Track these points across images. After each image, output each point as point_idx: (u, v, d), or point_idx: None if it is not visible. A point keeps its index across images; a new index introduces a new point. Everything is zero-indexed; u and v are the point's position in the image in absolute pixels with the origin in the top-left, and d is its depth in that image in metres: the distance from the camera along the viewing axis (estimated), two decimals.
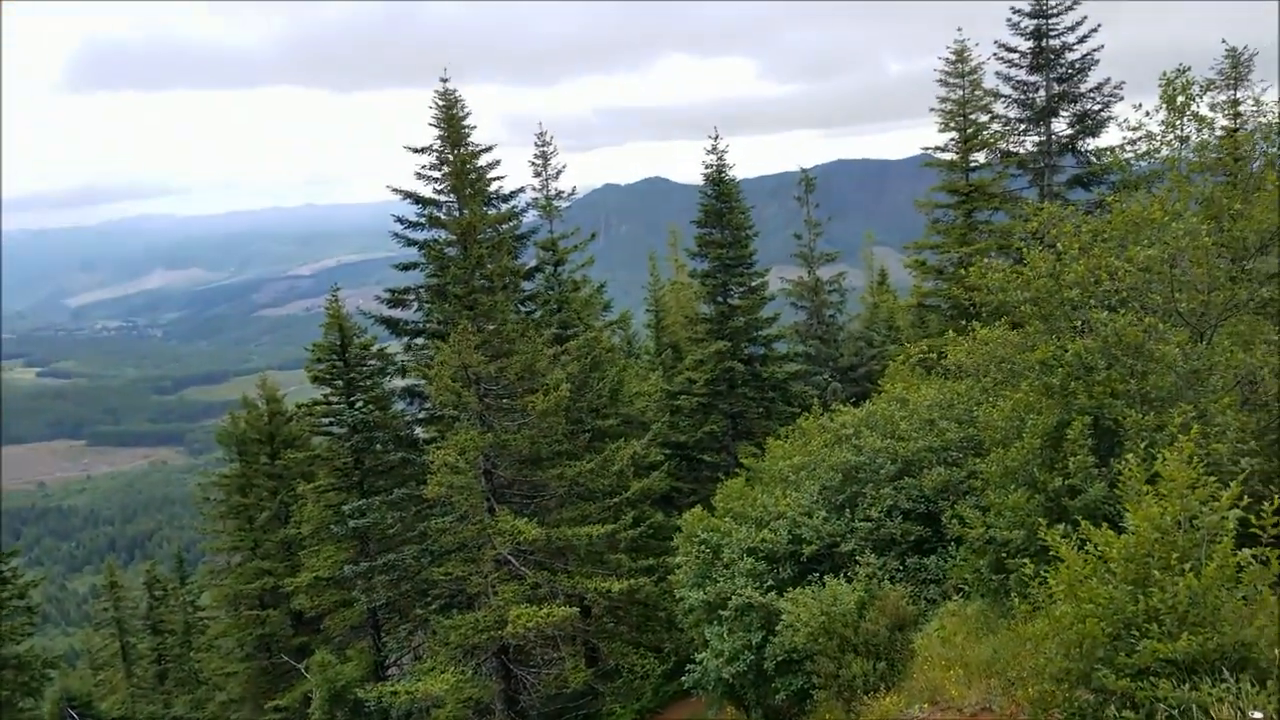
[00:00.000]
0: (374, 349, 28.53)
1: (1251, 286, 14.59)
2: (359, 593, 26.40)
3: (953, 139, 30.82)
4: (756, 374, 32.80)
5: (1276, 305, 14.60)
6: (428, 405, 26.78)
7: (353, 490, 27.33)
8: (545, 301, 29.36)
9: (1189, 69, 18.09)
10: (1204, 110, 18.85)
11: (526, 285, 28.61)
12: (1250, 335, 14.45)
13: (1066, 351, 14.08)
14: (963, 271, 21.05)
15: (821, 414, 22.84)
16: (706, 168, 32.29)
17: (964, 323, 19.69)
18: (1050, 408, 13.98)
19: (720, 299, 33.07)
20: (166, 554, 71.39)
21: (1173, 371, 13.27)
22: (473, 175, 24.40)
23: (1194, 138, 18.16)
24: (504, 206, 26.36)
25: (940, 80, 30.60)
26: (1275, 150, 18.38)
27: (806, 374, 35.38)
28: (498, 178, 25.52)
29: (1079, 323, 14.99)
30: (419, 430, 28.20)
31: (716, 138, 31.99)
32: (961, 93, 30.24)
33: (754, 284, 33.03)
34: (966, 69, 30.17)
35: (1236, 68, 24.49)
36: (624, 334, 40.70)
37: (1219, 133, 20.01)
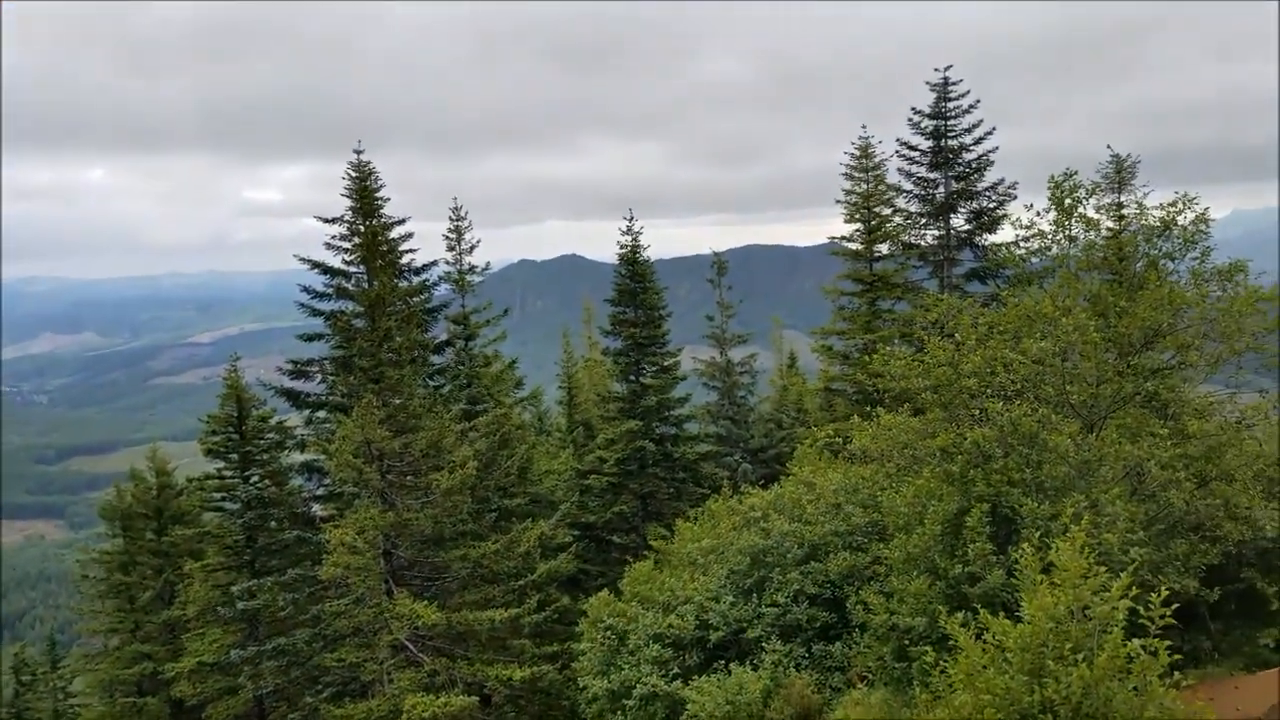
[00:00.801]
0: (273, 422, 27.53)
1: (1137, 380, 15.25)
2: (245, 679, 24.92)
3: (858, 230, 31.96)
4: (668, 454, 32.75)
5: (1160, 400, 15.28)
6: (327, 482, 25.87)
7: (243, 570, 26.02)
8: (455, 376, 28.92)
9: (1076, 173, 19.19)
10: (1090, 212, 19.94)
11: (436, 359, 28.18)
12: (1137, 428, 15.06)
13: (965, 439, 14.44)
14: (867, 358, 21.56)
15: (731, 496, 22.84)
16: (621, 247, 32.67)
17: (869, 408, 20.08)
18: (950, 495, 14.25)
19: (633, 378, 33.13)
20: (39, 635, 66.47)
21: (1065, 462, 13.71)
22: (384, 247, 24.13)
23: (1081, 238, 19.14)
24: (416, 279, 26.08)
25: (846, 174, 31.85)
26: (1157, 251, 19.45)
27: (717, 455, 35.50)
28: (410, 250, 25.29)
29: (977, 411, 15.43)
30: (316, 508, 27.16)
31: (631, 219, 32.49)
32: (866, 186, 31.51)
33: (666, 363, 33.24)
34: (871, 164, 31.51)
35: (1120, 172, 26.09)
36: (535, 411, 40.33)
37: (1105, 233, 21.16)
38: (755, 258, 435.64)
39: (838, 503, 18.83)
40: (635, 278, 32.42)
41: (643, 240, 32.61)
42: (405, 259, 25.22)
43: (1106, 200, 24.60)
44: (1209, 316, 15.76)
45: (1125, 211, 24.61)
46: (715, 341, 36.63)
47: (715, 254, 37.56)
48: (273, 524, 26.68)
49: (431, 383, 27.54)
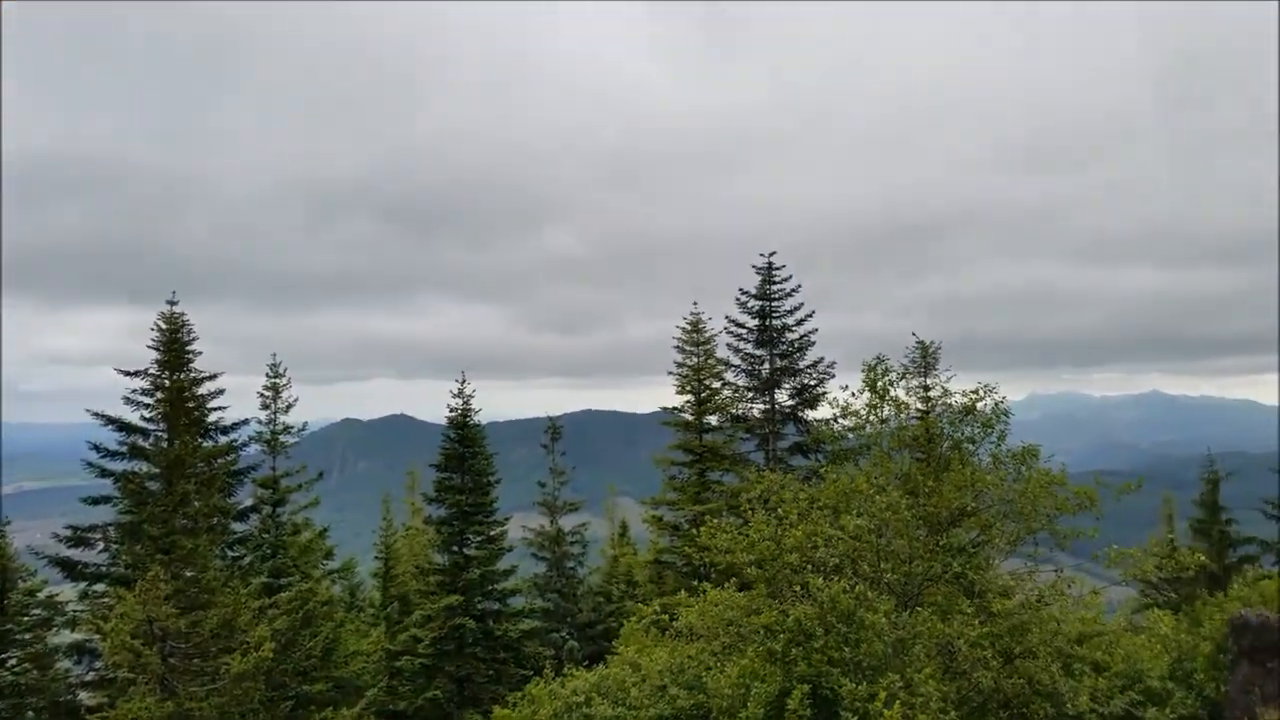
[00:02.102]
0: (42, 595, 24.35)
1: (944, 559, 15.71)
2: None
3: (689, 401, 32.64)
4: (489, 632, 30.98)
5: (968, 578, 15.75)
6: (99, 665, 22.83)
7: None
8: (258, 546, 26.71)
9: (887, 359, 20.36)
10: (902, 394, 21.06)
11: (239, 526, 26.04)
12: (948, 605, 15.38)
13: (789, 617, 14.31)
14: (695, 531, 21.47)
15: (554, 678, 21.62)
16: (452, 410, 31.92)
17: (696, 582, 19.79)
18: (773, 674, 13.95)
19: (456, 548, 31.64)
20: None
21: (881, 640, 13.74)
22: (190, 403, 22.57)
23: (893, 419, 20.09)
24: (223, 439, 24.38)
25: (678, 347, 32.79)
26: (960, 435, 20.59)
27: (543, 631, 34.00)
28: (220, 408, 23.74)
29: (799, 587, 15.42)
30: (84, 695, 23.81)
31: (464, 381, 31.93)
32: (697, 360, 32.47)
33: (493, 533, 32.01)
34: (701, 339, 32.61)
35: (926, 357, 27.92)
36: (347, 584, 37.73)
37: (914, 415, 22.35)
38: (593, 423, 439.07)
39: (663, 684, 18.09)
40: (464, 442, 31.57)
41: (477, 402, 32.05)
42: (213, 417, 23.63)
43: (915, 383, 26.20)
44: (1006, 498, 16.62)
45: (931, 394, 26.29)
46: (547, 509, 35.88)
47: (550, 419, 37.36)
48: (30, 714, 23.11)
49: (231, 553, 25.33)
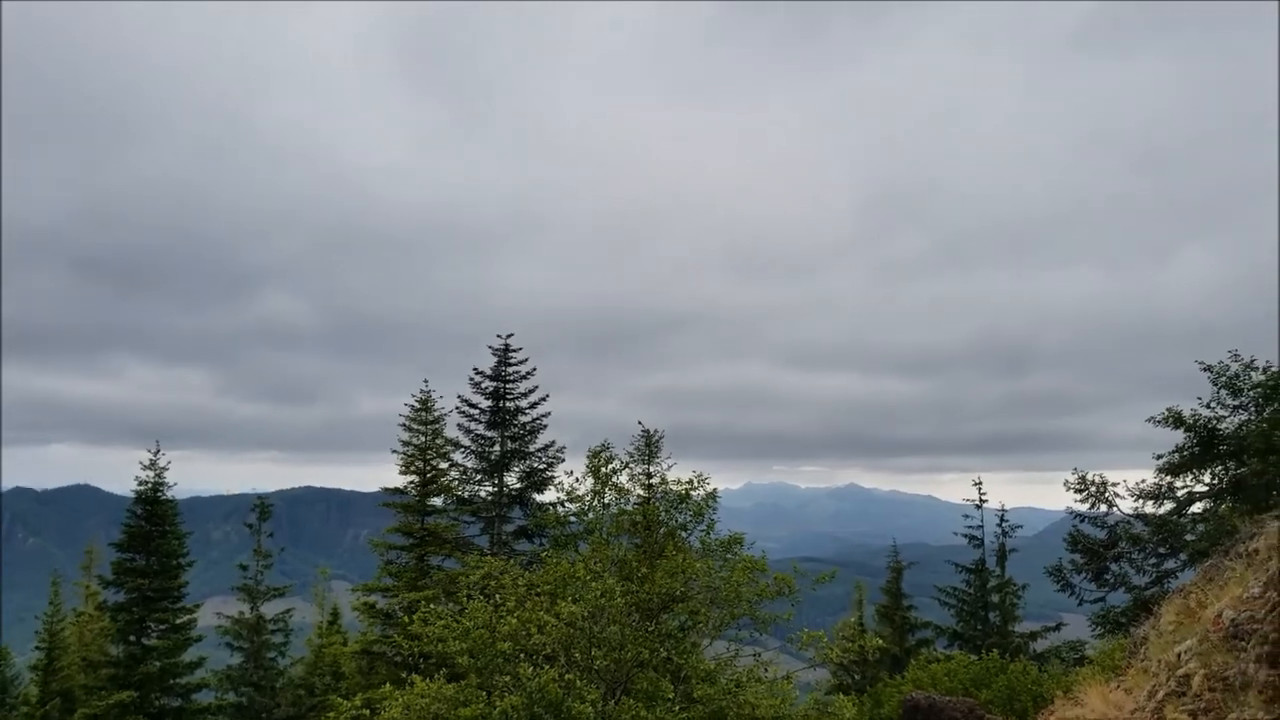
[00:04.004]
0: None
1: (654, 644, 16.04)
2: None
3: (413, 481, 31.53)
4: None
5: (674, 663, 16.16)
6: None
7: None
8: None
9: (611, 446, 20.88)
10: (625, 480, 21.60)
11: None
12: (653, 691, 15.65)
13: (495, 709, 13.93)
14: (408, 618, 20.57)
15: None
16: (141, 484, 28.73)
17: (406, 674, 18.85)
18: None
19: (134, 638, 28.14)
20: None
21: None
22: None
23: (614, 505, 20.52)
24: None
25: (405, 425, 31.73)
26: (675, 522, 21.38)
27: None
28: None
29: (509, 676, 15.11)
30: None
31: (157, 450, 28.94)
32: (424, 439, 31.55)
33: (179, 621, 28.82)
34: (430, 417, 31.79)
35: (649, 445, 28.92)
36: (0, 676, 32.46)
37: (636, 500, 22.96)
38: (309, 500, 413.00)
39: None
40: (152, 519, 28.46)
41: (177, 474, 29.12)
42: None
43: (639, 470, 27.03)
44: (713, 584, 17.35)
45: (652, 481, 27.20)
46: (247, 595, 32.94)
47: (259, 495, 34.65)
48: None
49: None
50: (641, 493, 26.15)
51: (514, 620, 16.03)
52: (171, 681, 27.93)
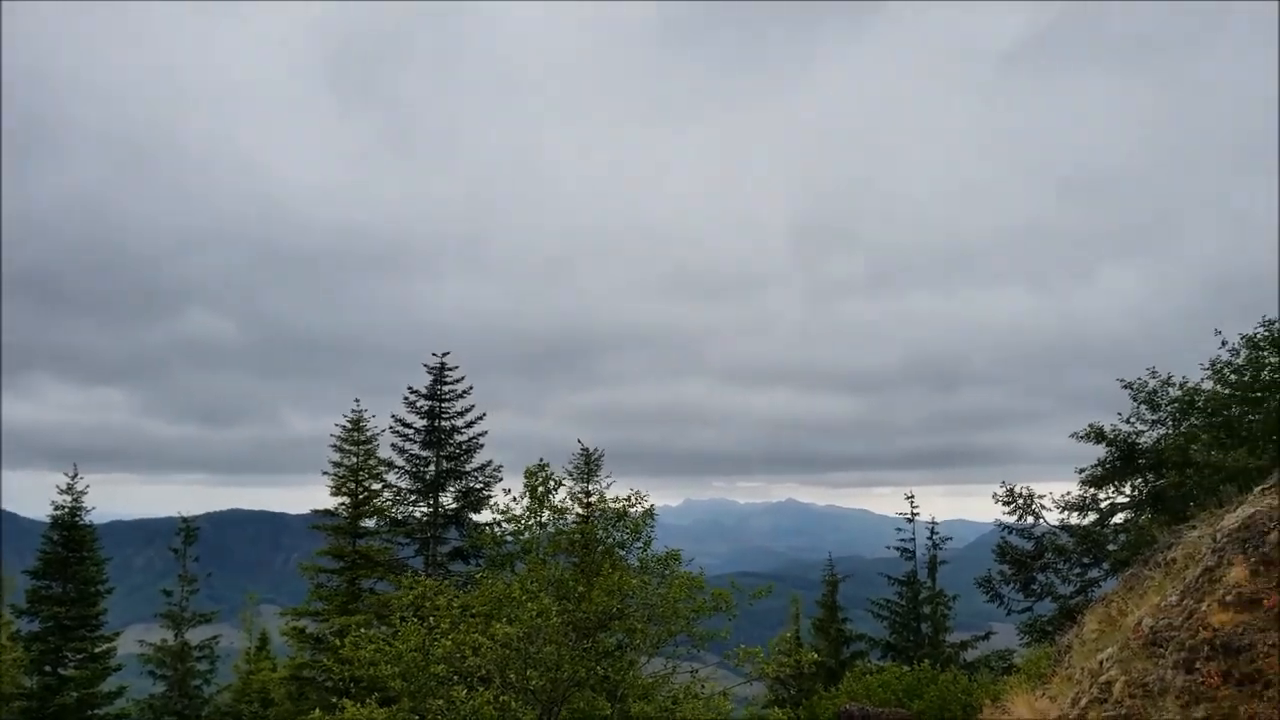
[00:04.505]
0: None
1: (589, 663, 15.93)
2: None
3: (344, 503, 30.90)
4: None
5: (611, 681, 16.07)
6: None
7: None
8: None
9: (549, 464, 20.68)
10: (564, 499, 21.43)
11: None
12: (589, 710, 15.55)
13: None
14: (339, 642, 20.12)
15: None
16: (58, 508, 27.65)
17: (336, 699, 18.41)
18: None
19: (50, 668, 27.00)
20: None
21: None
22: None
23: (550, 524, 20.36)
24: None
25: (336, 445, 31.10)
26: (612, 540, 21.31)
27: None
28: None
29: (442, 700, 14.86)
30: None
31: (75, 474, 27.91)
32: (356, 459, 30.95)
33: (98, 650, 27.74)
34: (362, 437, 31.21)
35: (589, 463, 28.86)
36: None
37: (574, 519, 22.82)
38: (238, 523, 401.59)
39: None
40: (70, 545, 27.43)
41: (97, 498, 28.14)
42: None
43: (578, 488, 26.93)
44: (649, 602, 17.31)
45: (591, 500, 27.10)
46: (171, 621, 31.87)
47: (183, 519, 33.58)
48: None
49: None
50: (580, 511, 26.04)
51: (448, 642, 15.80)
52: (89, 713, 26.83)
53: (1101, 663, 10.98)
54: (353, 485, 30.52)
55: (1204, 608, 9.99)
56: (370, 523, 30.85)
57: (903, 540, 36.00)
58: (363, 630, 18.05)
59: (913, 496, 35.99)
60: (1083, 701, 10.63)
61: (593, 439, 30.79)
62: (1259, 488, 14.83)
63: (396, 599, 26.76)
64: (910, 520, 35.80)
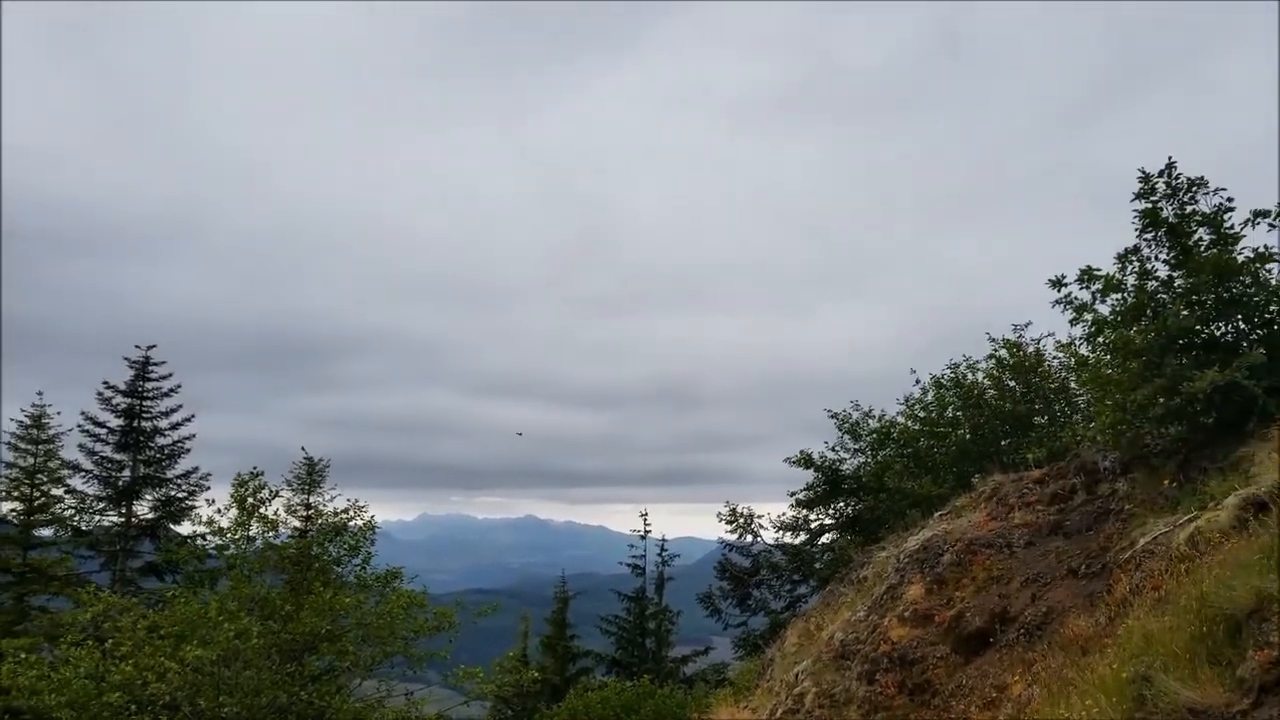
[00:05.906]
0: None
1: (293, 688, 14.85)
2: None
3: (16, 509, 27.07)
4: None
5: (318, 707, 15.04)
6: None
7: None
8: None
9: (262, 473, 19.11)
10: (280, 511, 19.88)
11: None
12: None
13: None
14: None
15: None
16: None
17: None
18: None
19: None
20: None
21: None
22: None
23: (260, 539, 18.79)
24: None
25: (10, 444, 27.22)
26: (329, 556, 20.01)
27: None
28: None
29: None
30: None
31: None
32: (34, 460, 27.23)
33: None
34: (43, 436, 27.52)
35: (312, 474, 27.11)
36: None
37: (291, 533, 21.26)
38: None
39: None
40: None
41: None
42: None
43: (298, 500, 25.19)
44: (365, 621, 16.45)
45: (311, 513, 25.46)
46: None
47: None
48: None
49: None
50: (298, 524, 24.41)
51: (128, 667, 14.22)
52: None
53: (797, 675, 11.65)
54: (28, 489, 26.79)
55: (885, 623, 10.85)
56: (48, 532, 27.19)
57: (634, 557, 36.92)
58: (24, 655, 15.82)
59: (646, 514, 37.04)
60: (779, 712, 11.20)
61: (326, 447, 29.06)
62: (938, 513, 16.53)
63: (71, 617, 23.73)
64: (643, 537, 36.80)
